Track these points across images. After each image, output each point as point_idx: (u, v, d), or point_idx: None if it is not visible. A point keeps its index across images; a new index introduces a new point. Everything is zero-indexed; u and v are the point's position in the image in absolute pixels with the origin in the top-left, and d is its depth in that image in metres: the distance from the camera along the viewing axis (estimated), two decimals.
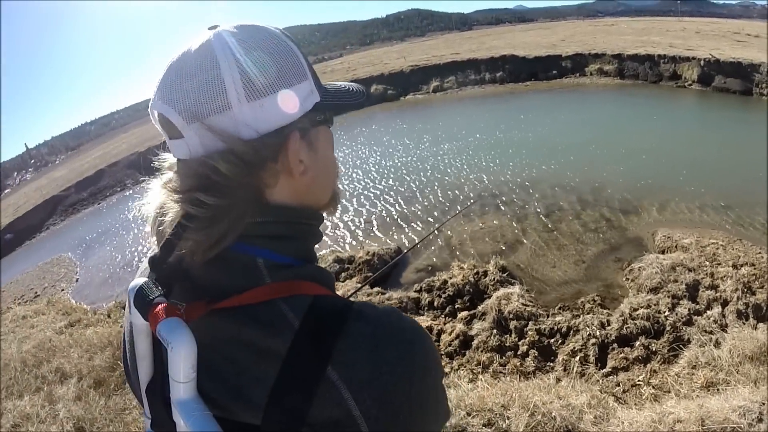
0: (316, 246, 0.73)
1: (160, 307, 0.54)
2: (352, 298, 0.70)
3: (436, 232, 6.97)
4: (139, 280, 0.57)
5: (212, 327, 0.57)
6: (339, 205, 0.77)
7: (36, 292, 11.16)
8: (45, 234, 18.64)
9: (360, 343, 0.54)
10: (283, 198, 0.63)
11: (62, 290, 10.60)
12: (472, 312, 5.15)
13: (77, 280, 10.94)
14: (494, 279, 5.54)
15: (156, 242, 0.64)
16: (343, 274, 6.42)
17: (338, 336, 0.54)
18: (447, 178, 9.65)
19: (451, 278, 5.68)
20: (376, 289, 5.77)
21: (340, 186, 0.79)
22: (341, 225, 8.48)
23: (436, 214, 8.01)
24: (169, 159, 0.66)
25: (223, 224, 0.57)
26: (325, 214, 0.76)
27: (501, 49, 23.63)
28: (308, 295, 0.58)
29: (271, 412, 0.52)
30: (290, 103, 0.61)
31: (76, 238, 13.93)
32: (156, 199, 0.64)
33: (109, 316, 7.31)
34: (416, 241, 3.14)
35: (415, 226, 7.77)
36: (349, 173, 11.75)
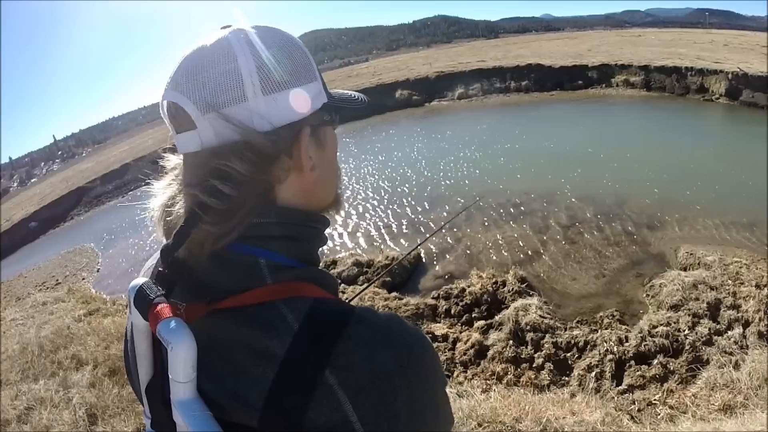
0: (326, 250, 0.73)
1: (160, 307, 0.54)
2: (357, 298, 0.69)
3: (443, 231, 6.95)
4: (140, 280, 0.58)
5: (212, 327, 0.56)
6: (342, 208, 0.77)
7: (57, 280, 11.39)
8: (69, 224, 19.04)
9: (359, 348, 0.54)
10: (290, 196, 0.64)
11: (83, 279, 10.80)
12: (489, 322, 5.14)
13: (98, 270, 11.13)
14: (513, 289, 5.51)
15: (163, 236, 0.64)
16: (361, 278, 6.43)
17: (338, 339, 0.54)
18: (468, 186, 9.59)
19: (469, 287, 5.67)
20: (393, 294, 5.78)
21: (343, 187, 0.78)
22: (362, 228, 8.52)
23: (456, 221, 7.96)
24: (172, 160, 0.67)
25: (236, 218, 0.58)
26: (330, 217, 0.76)
27: (527, 58, 23.49)
28: (309, 297, 0.58)
29: (268, 414, 0.52)
30: (302, 100, 0.63)
31: (100, 229, 14.19)
32: (162, 195, 0.65)
33: (127, 307, 7.43)
34: (417, 243, 3.14)
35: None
36: (372, 178, 11.81)
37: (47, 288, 10.84)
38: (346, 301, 0.68)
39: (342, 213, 9.06)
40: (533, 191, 8.71)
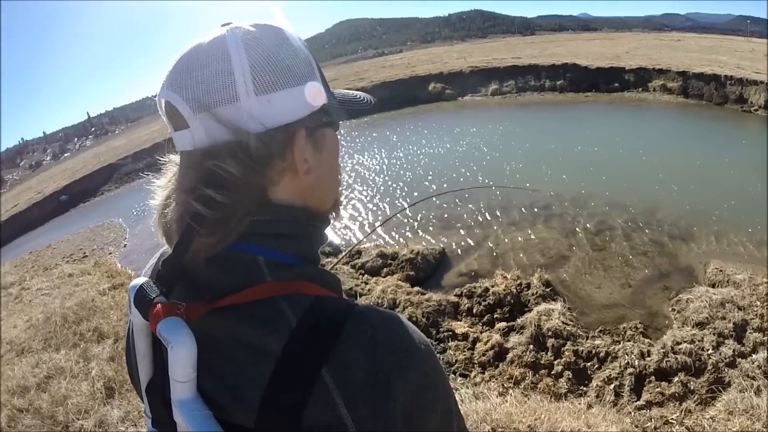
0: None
1: (160, 306, 0.55)
2: (334, 271, 0.67)
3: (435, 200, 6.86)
4: (140, 280, 0.58)
5: (211, 326, 0.56)
6: (340, 214, 0.76)
7: (84, 253, 11.64)
8: (99, 199, 19.46)
9: (358, 346, 0.53)
10: (286, 197, 0.63)
11: (110, 254, 11.02)
12: (510, 324, 5.11)
13: (125, 246, 11.34)
14: (537, 293, 5.46)
15: (162, 237, 0.64)
16: (384, 269, 6.45)
17: (336, 337, 0.53)
18: (495, 185, 9.49)
19: (493, 287, 5.63)
20: (416, 288, 5.79)
21: (343, 192, 0.78)
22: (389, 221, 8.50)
23: (480, 219, 7.90)
24: (172, 159, 0.67)
25: (231, 225, 0.58)
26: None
27: (563, 57, 23.07)
28: (310, 295, 0.58)
29: (264, 414, 0.52)
30: (298, 100, 0.62)
31: (129, 206, 14.45)
32: (161, 194, 0.65)
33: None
34: (397, 212, 3.09)
35: (460, 230, 7.70)
36: (401, 170, 11.80)
37: (74, 260, 11.10)
38: (330, 270, 0.69)
39: (362, 208, 9.18)
40: (563, 193, 8.57)
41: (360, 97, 0.78)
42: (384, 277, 6.21)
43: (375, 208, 9.46)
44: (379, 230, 8.09)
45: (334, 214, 0.73)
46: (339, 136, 0.72)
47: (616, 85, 19.40)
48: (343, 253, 6.77)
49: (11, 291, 9.38)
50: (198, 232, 0.57)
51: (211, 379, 0.55)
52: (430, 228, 7.90)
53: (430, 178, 10.80)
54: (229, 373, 0.55)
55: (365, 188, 10.80)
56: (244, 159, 0.57)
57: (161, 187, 0.66)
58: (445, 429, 0.60)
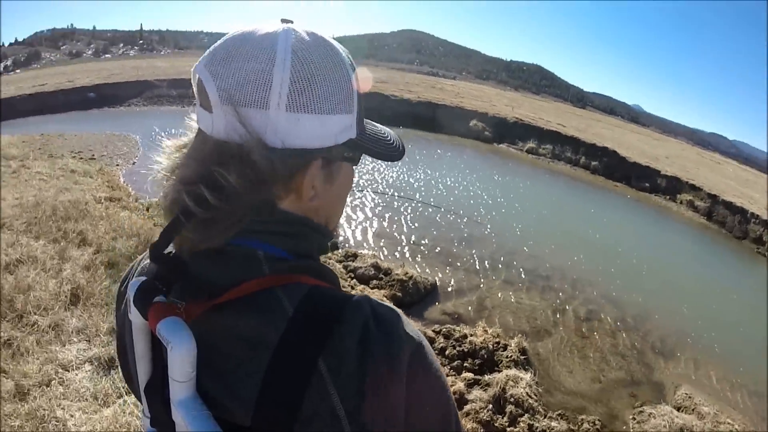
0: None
1: (159, 306, 0.54)
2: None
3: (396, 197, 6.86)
4: (140, 279, 0.57)
5: (212, 323, 0.56)
6: (334, 238, 0.74)
7: (93, 155, 11.62)
8: (125, 109, 19.48)
9: (353, 335, 0.53)
10: (286, 208, 0.62)
11: (117, 165, 11.00)
12: (477, 377, 5.07)
13: (134, 163, 11.33)
14: (511, 356, 5.42)
15: (160, 206, 0.63)
16: (374, 281, 6.42)
17: (332, 326, 0.53)
18: (504, 239, 9.50)
19: (472, 335, 5.60)
20: (399, 310, 5.71)
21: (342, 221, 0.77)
22: (392, 234, 8.53)
23: (481, 267, 7.89)
24: (194, 128, 0.65)
25: (219, 226, 0.57)
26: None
27: (605, 140, 23.19)
28: (306, 284, 0.57)
29: (260, 408, 0.51)
30: (325, 129, 0.60)
31: (151, 127, 14.46)
32: (170, 159, 0.63)
33: (147, 210, 7.49)
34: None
35: (458, 270, 7.68)
36: (419, 193, 11.82)
37: (81, 158, 11.08)
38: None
39: (371, 214, 9.21)
40: (566, 271, 8.57)
41: (391, 141, 0.75)
42: (372, 288, 6.19)
43: (379, 216, 9.46)
44: (380, 242, 8.08)
45: (329, 235, 0.71)
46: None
47: (647, 185, 19.48)
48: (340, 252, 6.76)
49: (11, 164, 9.34)
50: (185, 227, 0.56)
51: (212, 377, 0.55)
52: (432, 258, 7.89)
53: (444, 205, 10.81)
54: (229, 370, 0.54)
55: (376, 197, 10.81)
56: (249, 175, 0.55)
57: (175, 149, 0.64)
58: (445, 426, 0.59)
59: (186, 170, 0.59)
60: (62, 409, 3.06)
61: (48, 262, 4.89)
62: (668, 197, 18.84)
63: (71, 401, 3.18)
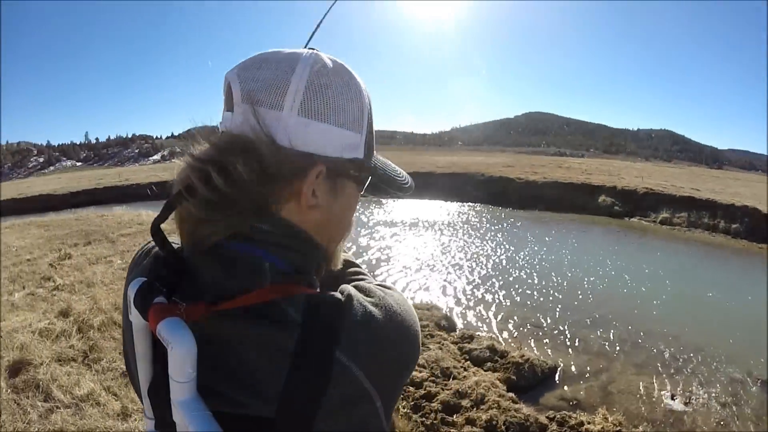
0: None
1: (160, 306, 0.55)
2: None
3: None
4: (140, 279, 0.59)
5: (218, 328, 0.58)
6: (335, 264, 0.78)
7: None
8: None
9: (361, 324, 0.60)
10: (287, 218, 0.65)
11: None
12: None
13: None
14: None
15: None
16: (488, 363, 6.27)
17: (341, 321, 0.58)
18: (634, 318, 8.68)
19: (589, 423, 5.22)
20: (510, 394, 5.53)
21: (347, 244, 0.83)
22: (513, 316, 8.35)
23: (606, 349, 7.36)
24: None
25: (220, 211, 0.61)
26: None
27: (745, 199, 20.42)
28: (301, 293, 0.61)
29: (286, 403, 0.55)
30: (332, 139, 0.65)
31: None
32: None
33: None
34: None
35: (580, 353, 7.19)
36: (545, 272, 11.39)
37: None
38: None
39: (492, 295, 9.19)
40: (705, 350, 7.51)
41: (401, 177, 0.83)
42: (485, 371, 6.06)
43: (501, 297, 9.35)
44: (502, 322, 7.96)
45: (327, 262, 0.75)
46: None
47: None
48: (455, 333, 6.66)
49: None
50: (187, 200, 0.60)
51: (225, 378, 0.57)
52: (552, 339, 7.57)
53: (573, 290, 10.25)
54: (245, 372, 0.57)
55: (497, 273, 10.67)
56: (255, 166, 0.59)
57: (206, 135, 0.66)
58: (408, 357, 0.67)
59: (199, 152, 0.62)
60: None
61: None
62: None
63: None
